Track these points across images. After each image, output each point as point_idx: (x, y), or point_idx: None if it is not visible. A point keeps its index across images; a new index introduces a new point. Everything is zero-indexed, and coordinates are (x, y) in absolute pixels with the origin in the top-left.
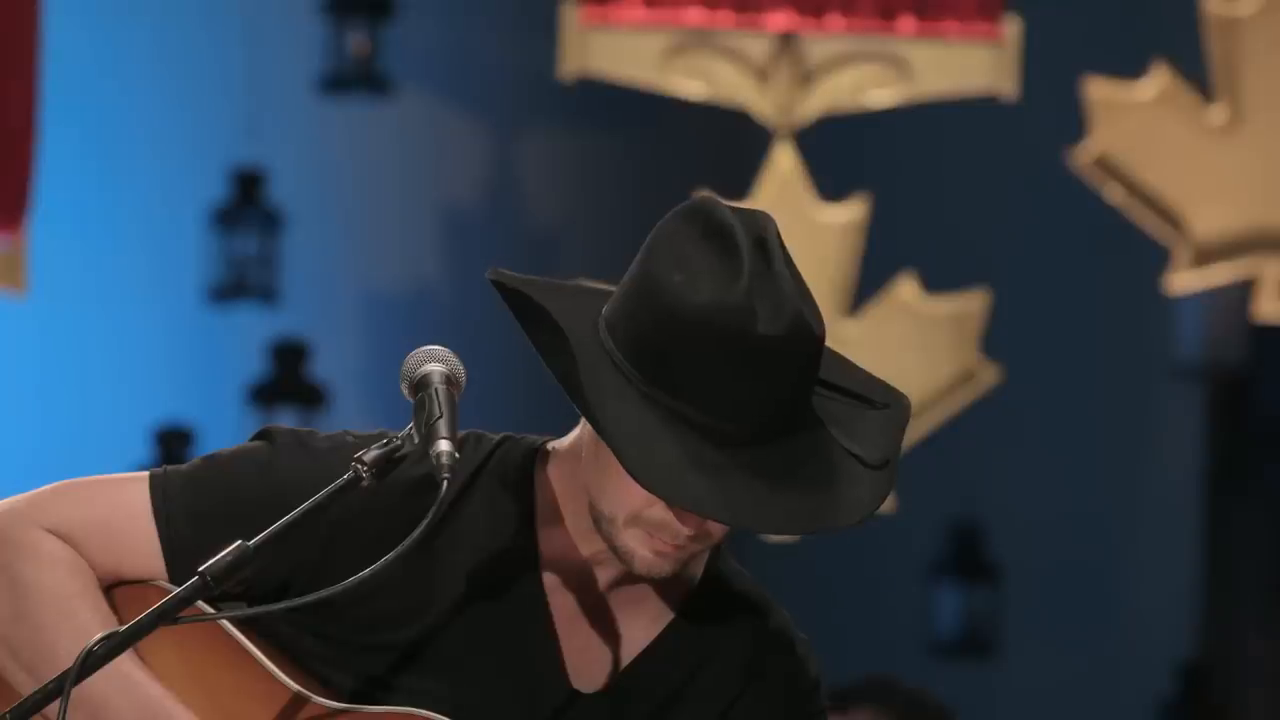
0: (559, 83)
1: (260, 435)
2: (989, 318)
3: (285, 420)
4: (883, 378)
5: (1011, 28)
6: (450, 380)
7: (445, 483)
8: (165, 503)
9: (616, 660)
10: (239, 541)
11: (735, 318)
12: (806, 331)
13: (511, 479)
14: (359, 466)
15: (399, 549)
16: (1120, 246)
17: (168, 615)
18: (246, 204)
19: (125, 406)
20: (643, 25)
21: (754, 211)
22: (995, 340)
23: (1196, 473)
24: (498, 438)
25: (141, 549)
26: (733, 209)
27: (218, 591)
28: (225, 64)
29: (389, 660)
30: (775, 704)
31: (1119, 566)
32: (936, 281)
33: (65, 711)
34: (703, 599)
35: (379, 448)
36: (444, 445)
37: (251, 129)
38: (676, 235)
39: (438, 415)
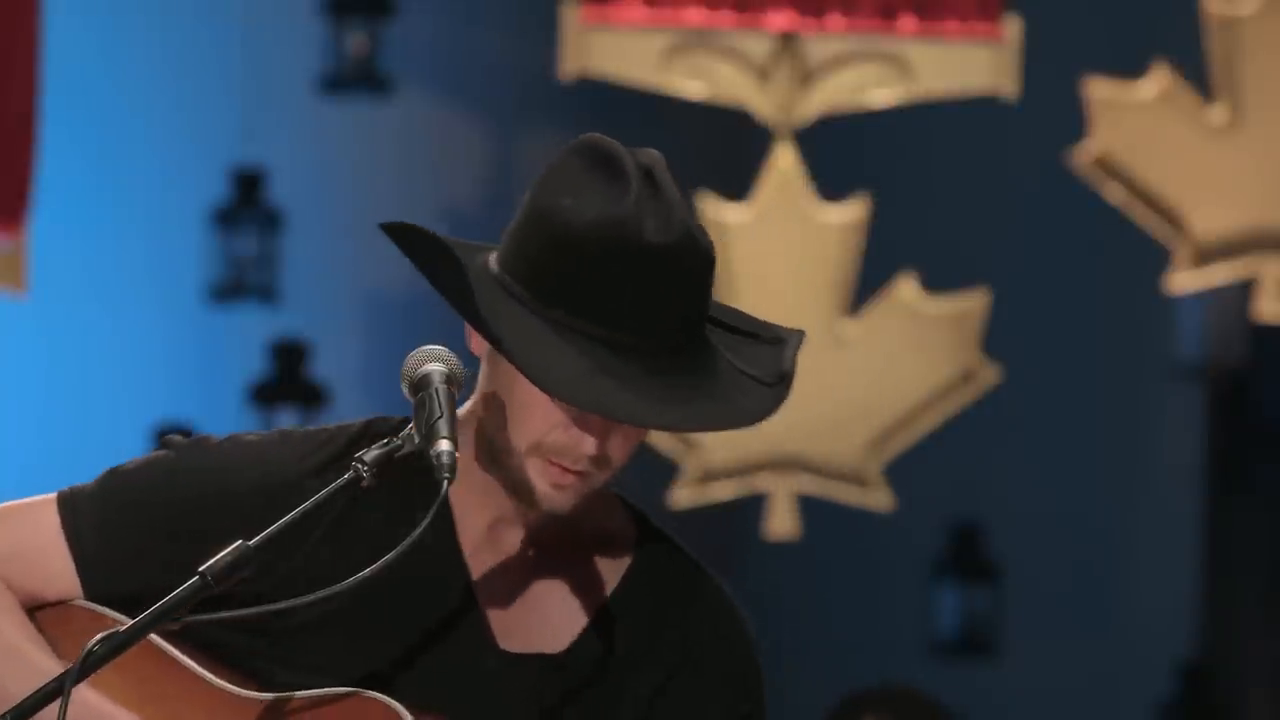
0: (559, 83)
1: (160, 446)
2: (989, 318)
3: (285, 420)
4: (882, 378)
5: (1011, 28)
6: (450, 380)
7: (446, 482)
8: (75, 520)
9: (551, 621)
10: (239, 541)
11: (624, 229)
12: (697, 244)
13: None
14: (359, 466)
15: (399, 549)
16: (1120, 246)
17: (167, 615)
18: (246, 204)
19: (125, 406)
20: (643, 25)
21: (643, 148)
22: (995, 340)
23: (1196, 473)
24: (401, 418)
25: (56, 569)
26: (620, 144)
27: (218, 591)
28: (225, 64)
29: (322, 646)
30: (714, 675)
31: (1119, 566)
32: (936, 281)
33: (65, 711)
34: (643, 566)
35: (379, 448)
36: (444, 445)
37: (251, 129)
38: (564, 167)
39: (438, 415)
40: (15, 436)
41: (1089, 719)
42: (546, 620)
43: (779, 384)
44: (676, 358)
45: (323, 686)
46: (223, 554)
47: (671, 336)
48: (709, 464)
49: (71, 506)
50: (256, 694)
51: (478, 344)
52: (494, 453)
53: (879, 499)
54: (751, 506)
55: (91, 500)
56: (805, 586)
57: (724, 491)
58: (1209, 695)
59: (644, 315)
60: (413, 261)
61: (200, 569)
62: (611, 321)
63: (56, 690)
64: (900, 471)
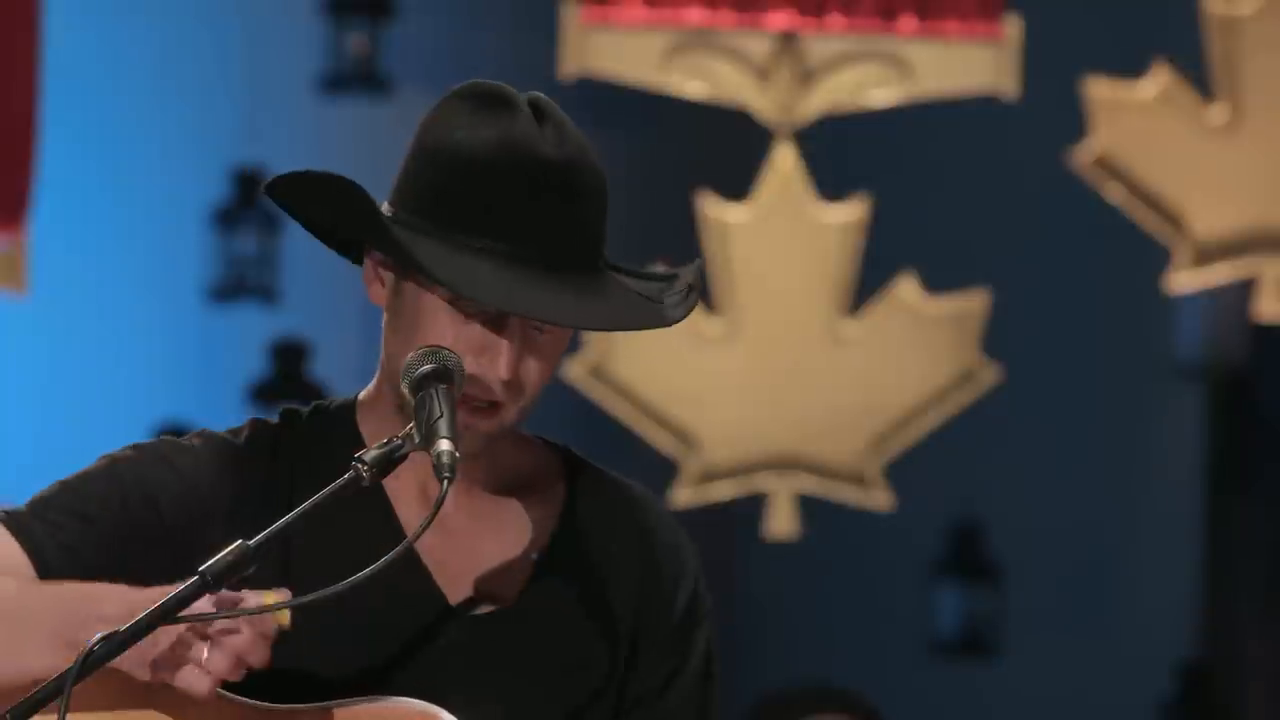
0: (559, 83)
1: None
2: (989, 318)
3: None
4: (882, 378)
5: (1011, 28)
6: (451, 379)
7: (446, 482)
8: (32, 540)
9: (498, 572)
10: (239, 540)
11: (521, 147)
12: (590, 161)
13: (338, 431)
14: (359, 466)
15: (399, 549)
16: (1120, 246)
17: (168, 614)
18: (246, 204)
19: (125, 406)
20: (643, 25)
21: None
22: (995, 340)
23: (1196, 473)
24: (312, 405)
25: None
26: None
27: (217, 590)
28: (225, 64)
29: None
30: (668, 601)
31: (1119, 566)
32: (936, 281)
33: (65, 712)
34: (578, 501)
35: (379, 447)
36: (445, 445)
37: (251, 129)
38: (449, 110)
39: (439, 415)
40: (15, 436)
41: (1089, 719)
42: (493, 572)
43: (689, 295)
44: (583, 273)
45: (286, 679)
46: (223, 554)
47: (575, 250)
48: (709, 464)
49: (18, 526)
50: (276, 705)
51: (377, 293)
52: (405, 405)
53: (879, 499)
54: (751, 506)
55: (35, 514)
56: (805, 586)
57: (724, 491)
58: (1209, 695)
59: (547, 227)
60: (297, 204)
61: (200, 569)
62: (517, 236)
63: (56, 690)
64: (900, 471)
